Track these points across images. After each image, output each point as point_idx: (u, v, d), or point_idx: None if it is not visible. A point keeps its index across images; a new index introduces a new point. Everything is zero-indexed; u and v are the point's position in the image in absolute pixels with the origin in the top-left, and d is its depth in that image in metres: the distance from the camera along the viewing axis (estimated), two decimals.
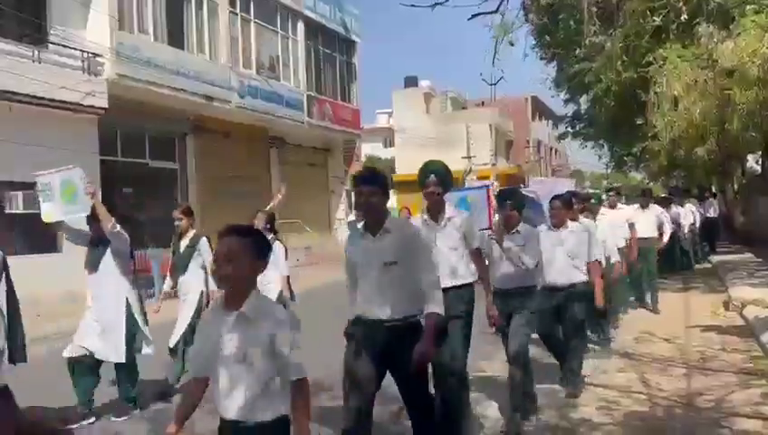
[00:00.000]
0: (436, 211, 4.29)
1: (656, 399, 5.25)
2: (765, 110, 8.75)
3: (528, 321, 4.71)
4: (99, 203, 5.12)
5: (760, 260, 13.65)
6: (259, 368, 2.38)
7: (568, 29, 11.94)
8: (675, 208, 12.99)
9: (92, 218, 5.16)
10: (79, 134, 12.82)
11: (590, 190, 16.29)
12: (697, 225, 14.24)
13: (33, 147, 10.75)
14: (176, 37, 15.66)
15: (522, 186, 18.58)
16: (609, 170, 36.15)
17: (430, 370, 3.57)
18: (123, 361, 5.14)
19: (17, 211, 11.31)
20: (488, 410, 4.96)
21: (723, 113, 9.29)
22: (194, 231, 6.05)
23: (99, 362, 5.18)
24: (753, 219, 18.37)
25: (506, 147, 46.48)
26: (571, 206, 5.81)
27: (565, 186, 7.74)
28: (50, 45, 12.75)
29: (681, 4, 7.89)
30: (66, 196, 5.14)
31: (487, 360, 6.20)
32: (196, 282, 5.83)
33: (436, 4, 6.19)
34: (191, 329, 5.46)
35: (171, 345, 5.74)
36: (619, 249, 7.66)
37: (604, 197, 9.83)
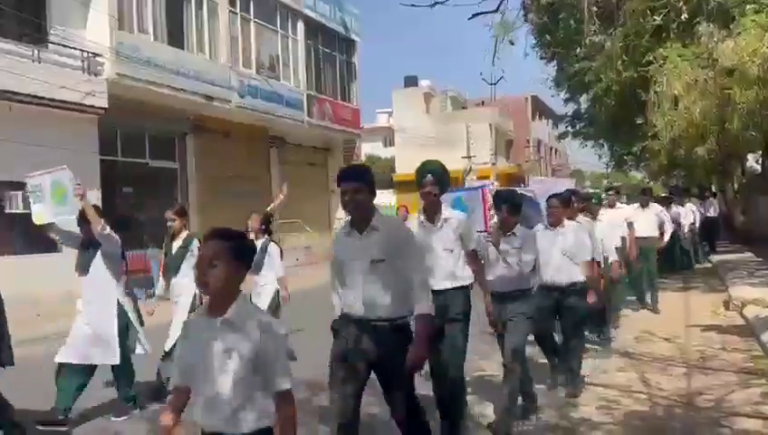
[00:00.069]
0: (432, 212, 4.24)
1: (656, 398, 5.25)
2: (765, 109, 8.74)
3: (525, 325, 4.67)
4: (88, 205, 5.05)
5: (760, 260, 13.65)
6: (243, 378, 2.28)
7: (568, 28, 11.94)
8: (675, 208, 13.00)
9: (82, 220, 5.10)
10: (79, 134, 12.81)
11: (590, 190, 16.30)
12: (697, 224, 14.24)
13: (33, 147, 10.74)
14: (176, 37, 15.66)
15: (522, 185, 18.59)
16: (609, 170, 36.15)
17: (426, 368, 3.50)
18: (117, 362, 5.10)
19: (17, 211, 11.31)
20: (487, 410, 4.95)
21: (723, 113, 9.29)
22: (187, 232, 5.99)
23: (92, 367, 5.10)
24: (753, 219, 18.37)
25: (506, 146, 46.47)
26: (569, 204, 5.77)
27: (565, 185, 7.74)
28: (50, 45, 12.75)
29: (681, 3, 7.90)
30: (56, 197, 5.09)
31: (486, 359, 6.20)
32: (188, 284, 5.67)
33: (436, 3, 6.20)
34: None
35: (167, 349, 5.67)
36: (616, 248, 7.66)
37: (604, 196, 9.83)
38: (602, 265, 6.78)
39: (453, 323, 4.10)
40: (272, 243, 6.89)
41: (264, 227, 6.94)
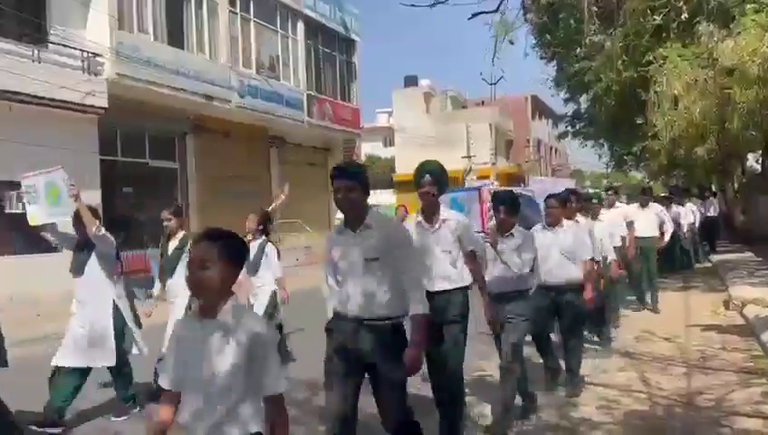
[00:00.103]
0: (430, 213, 4.19)
1: (656, 398, 5.25)
2: (765, 109, 8.73)
3: (522, 326, 4.65)
4: (82, 205, 4.97)
5: (760, 259, 13.64)
6: (234, 381, 2.23)
7: (568, 28, 11.94)
8: (675, 208, 12.99)
9: (77, 221, 5.05)
10: (79, 134, 12.82)
11: (590, 190, 16.29)
12: (697, 224, 14.24)
13: (33, 147, 10.75)
14: (175, 37, 15.66)
15: (522, 185, 18.57)
16: (609, 170, 36.16)
17: (424, 368, 3.46)
18: (113, 363, 5.07)
19: (17, 211, 11.29)
20: (486, 410, 4.95)
21: (723, 112, 9.28)
22: (183, 232, 5.90)
23: (87, 369, 5.05)
24: (753, 218, 18.36)
25: (506, 146, 46.47)
26: (567, 204, 5.73)
27: (565, 185, 7.75)
28: (50, 45, 12.76)
29: (681, 3, 7.90)
30: (51, 198, 5.04)
31: (485, 359, 6.19)
32: (185, 285, 5.68)
33: (436, 3, 6.19)
34: None
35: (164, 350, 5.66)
36: (616, 248, 7.66)
37: (603, 196, 9.82)
38: (601, 265, 6.78)
39: (451, 324, 4.07)
40: (269, 244, 6.84)
41: (261, 227, 6.91)
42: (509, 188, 11.78)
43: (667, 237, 10.12)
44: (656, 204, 10.46)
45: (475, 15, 6.72)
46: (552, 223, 5.45)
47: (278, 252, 7.01)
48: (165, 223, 5.85)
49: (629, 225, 8.72)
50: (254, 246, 6.80)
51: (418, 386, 4.57)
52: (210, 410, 2.23)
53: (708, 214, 16.32)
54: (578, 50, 12.15)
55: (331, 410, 3.36)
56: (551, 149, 56.38)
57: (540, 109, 51.61)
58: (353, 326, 3.34)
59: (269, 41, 19.47)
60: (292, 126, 20.21)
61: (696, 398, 5.20)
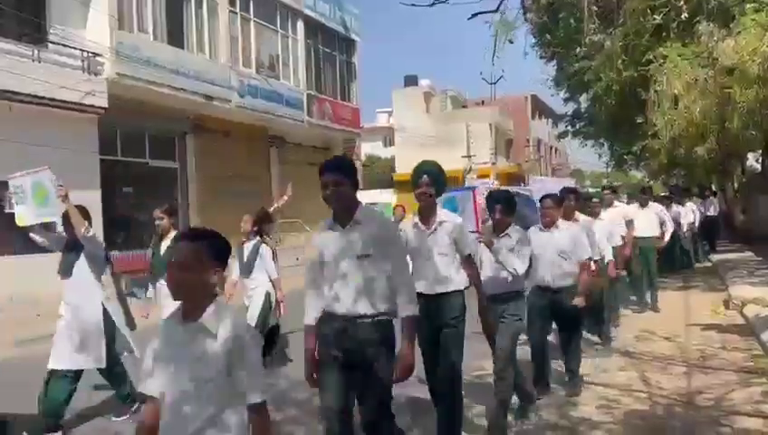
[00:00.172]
0: (427, 214, 4.13)
1: (656, 397, 5.25)
2: (765, 108, 8.73)
3: (514, 327, 4.61)
4: (71, 206, 4.90)
5: (760, 259, 13.64)
6: (215, 387, 2.15)
7: (568, 27, 11.93)
8: (675, 207, 12.99)
9: (66, 222, 4.99)
10: (79, 134, 12.82)
11: (590, 189, 16.30)
12: (697, 223, 14.24)
13: (33, 147, 10.74)
14: (175, 36, 15.66)
15: (522, 184, 18.56)
16: (609, 169, 36.20)
17: (416, 372, 3.38)
18: (103, 365, 5.01)
19: None
20: (484, 411, 4.94)
21: (723, 112, 9.28)
22: (176, 231, 5.78)
23: (79, 373, 5.00)
24: (753, 218, 18.36)
25: (506, 146, 46.47)
26: (562, 204, 5.64)
27: (566, 185, 7.73)
28: (50, 45, 12.75)
29: (681, 2, 7.90)
30: (38, 198, 4.97)
31: (484, 359, 6.18)
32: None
33: (436, 2, 6.19)
34: None
35: None
36: (614, 247, 7.66)
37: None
38: (600, 265, 6.76)
39: (448, 328, 4.02)
40: (263, 245, 6.78)
41: (256, 228, 6.89)
42: (505, 188, 11.76)
43: (667, 237, 10.10)
44: (655, 203, 10.44)
45: (475, 15, 6.72)
46: (548, 224, 5.38)
47: (274, 252, 6.96)
48: (157, 222, 5.78)
49: (629, 224, 8.70)
50: (248, 247, 6.78)
51: (416, 388, 4.56)
52: (192, 417, 2.15)
53: (708, 213, 16.31)
54: (578, 49, 12.14)
55: (327, 410, 3.33)
56: (551, 148, 56.37)
57: (540, 108, 51.60)
58: (343, 324, 3.28)
59: (269, 40, 19.47)
60: (292, 126, 20.21)
61: (697, 397, 5.20)
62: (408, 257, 4.02)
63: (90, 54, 13.17)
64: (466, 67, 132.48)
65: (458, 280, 4.12)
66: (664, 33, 9.77)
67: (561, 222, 5.45)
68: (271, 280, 6.75)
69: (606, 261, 7.10)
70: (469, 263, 4.18)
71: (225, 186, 17.13)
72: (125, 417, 5.17)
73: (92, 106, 12.97)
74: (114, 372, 5.17)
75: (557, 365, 5.88)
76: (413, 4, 6.25)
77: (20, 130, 11.25)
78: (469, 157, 36.63)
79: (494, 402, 4.58)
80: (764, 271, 11.63)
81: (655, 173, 25.84)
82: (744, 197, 20.31)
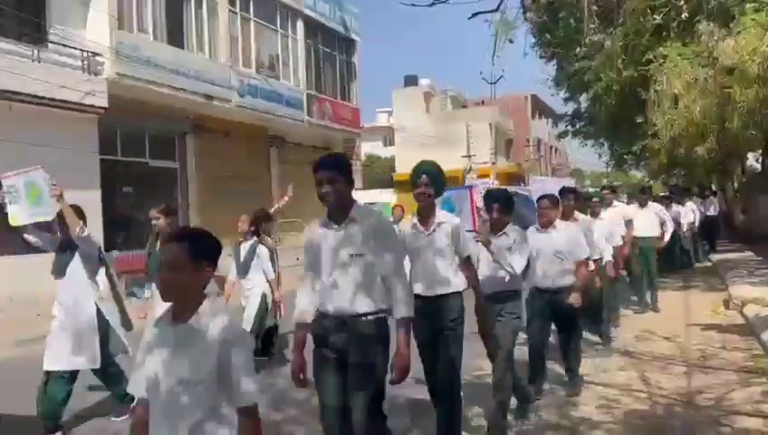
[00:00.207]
0: (426, 215, 4.08)
1: (656, 397, 5.25)
2: (765, 108, 8.73)
3: (512, 326, 4.58)
4: (66, 206, 4.82)
5: (760, 258, 13.65)
6: (205, 390, 2.11)
7: (568, 27, 11.93)
8: (675, 207, 12.99)
9: (60, 222, 4.92)
10: (79, 134, 12.82)
11: (590, 189, 16.30)
12: (697, 223, 14.24)
13: (33, 146, 10.73)
14: (175, 36, 15.65)
15: (522, 184, 18.56)
16: (609, 169, 36.21)
17: (411, 374, 3.34)
18: (97, 366, 4.96)
19: None
20: (483, 411, 4.93)
21: (723, 111, 9.28)
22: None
23: (75, 373, 4.96)
24: (753, 218, 18.36)
25: (506, 145, 46.48)
26: (558, 205, 5.57)
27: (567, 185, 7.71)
28: (50, 45, 12.75)
29: (681, 2, 7.88)
30: (31, 198, 4.90)
31: (482, 359, 6.18)
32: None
33: (436, 2, 6.18)
34: None
35: None
36: (614, 247, 7.65)
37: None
38: (599, 264, 6.74)
39: (447, 330, 3.99)
40: (260, 245, 6.75)
41: (253, 228, 6.87)
42: (502, 187, 11.72)
43: (667, 237, 10.08)
44: (655, 203, 10.44)
45: (475, 15, 6.70)
46: (545, 224, 5.33)
47: (274, 252, 6.94)
48: (153, 222, 5.73)
49: (628, 224, 8.69)
50: (245, 247, 6.77)
51: (413, 389, 4.54)
52: (181, 419, 2.12)
53: (708, 213, 16.31)
54: (578, 49, 12.14)
55: (326, 409, 3.32)
56: (551, 148, 56.37)
57: (540, 108, 51.60)
58: (335, 323, 3.24)
59: (269, 40, 19.46)
60: (292, 125, 20.21)
61: (697, 397, 5.21)
62: (405, 258, 4.01)
63: (90, 54, 13.16)
64: (466, 67, 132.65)
65: (457, 282, 4.08)
66: (664, 33, 9.77)
67: (558, 222, 5.40)
68: (268, 280, 6.73)
69: (604, 262, 7.08)
70: (467, 265, 4.13)
71: (225, 186, 17.12)
72: (125, 417, 5.14)
73: (92, 106, 12.97)
74: (109, 373, 5.13)
75: (557, 365, 5.88)
76: (413, 4, 6.23)
77: (20, 130, 11.24)
78: (469, 157, 36.63)
79: (493, 403, 4.57)
80: (764, 271, 11.64)
81: (655, 173, 25.85)
82: (744, 196, 20.32)
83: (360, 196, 22.17)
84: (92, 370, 5.04)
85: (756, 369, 5.93)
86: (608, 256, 7.21)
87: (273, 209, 7.79)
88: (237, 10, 17.91)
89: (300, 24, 20.67)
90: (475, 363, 5.88)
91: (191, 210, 16.79)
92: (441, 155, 20.74)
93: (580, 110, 19.74)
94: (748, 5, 8.24)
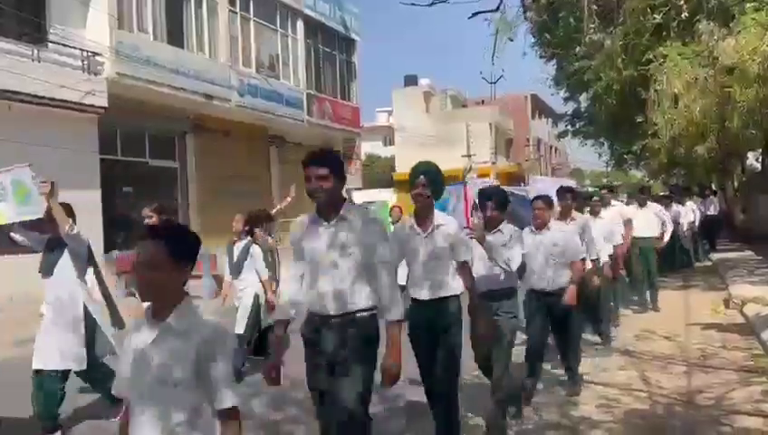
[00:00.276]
0: (424, 216, 4.00)
1: (656, 396, 5.25)
2: (765, 107, 8.74)
3: (512, 326, 4.54)
4: (55, 203, 4.71)
5: (760, 258, 13.64)
6: (185, 391, 2.05)
7: (568, 27, 11.93)
8: (675, 207, 12.99)
9: (48, 220, 4.79)
10: (79, 133, 12.82)
11: (590, 189, 16.29)
12: (697, 223, 14.24)
13: (32, 146, 10.73)
14: (175, 36, 15.65)
15: (522, 184, 18.55)
16: (609, 168, 36.21)
17: (401, 378, 3.30)
18: (83, 367, 4.85)
19: None
20: (484, 411, 4.93)
21: (723, 111, 9.28)
22: None
23: (66, 372, 4.89)
24: (753, 217, 18.37)
25: (506, 145, 46.47)
26: (553, 205, 5.53)
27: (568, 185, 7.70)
28: (49, 44, 12.75)
29: (681, 1, 7.89)
30: (18, 196, 4.80)
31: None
32: None
33: (435, 2, 6.17)
34: None
35: None
36: (615, 246, 7.64)
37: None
38: (598, 264, 6.71)
39: (445, 333, 3.93)
40: (254, 245, 6.72)
41: (248, 228, 6.86)
42: (485, 180, 11.64)
43: (666, 238, 10.07)
44: (654, 203, 10.43)
45: (475, 15, 6.70)
46: (539, 226, 5.27)
47: (275, 252, 6.93)
48: (146, 220, 5.68)
49: (626, 223, 8.67)
50: (238, 247, 6.75)
51: (411, 391, 4.52)
52: (160, 420, 2.07)
53: (708, 212, 16.31)
54: (577, 48, 12.14)
55: (320, 410, 3.30)
56: (551, 148, 56.36)
57: (540, 108, 51.59)
58: (325, 323, 3.21)
59: (269, 40, 19.46)
60: (292, 125, 20.21)
61: (697, 396, 5.20)
62: (395, 260, 3.99)
63: (89, 54, 13.17)
64: (466, 66, 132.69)
65: (455, 285, 4.01)
66: (664, 33, 9.77)
67: (552, 223, 5.35)
68: (261, 281, 6.70)
69: (601, 263, 7.03)
70: (464, 270, 4.04)
71: (225, 185, 17.12)
72: (118, 417, 5.06)
73: (92, 106, 12.97)
74: (94, 374, 5.01)
75: (557, 365, 5.87)
76: (413, 4, 6.22)
77: (20, 129, 11.24)
78: (469, 156, 36.60)
79: (491, 403, 4.56)
80: (764, 270, 11.63)
81: (655, 172, 25.87)
82: (744, 196, 20.32)
83: (360, 195, 22.18)
84: (77, 371, 4.94)
85: (756, 368, 5.93)
86: (605, 257, 7.17)
87: (275, 210, 7.78)
88: (237, 10, 17.91)
89: (300, 24, 20.67)
90: (474, 364, 5.87)
91: (191, 210, 16.79)
92: (441, 155, 20.73)
93: (580, 109, 19.76)
94: (748, 5, 8.24)
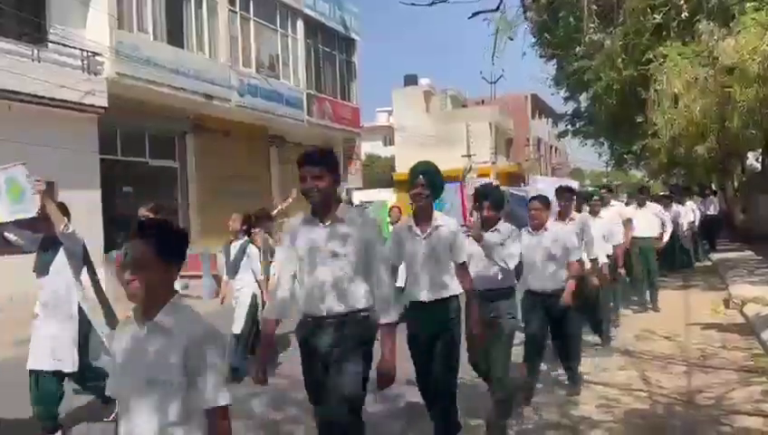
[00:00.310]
0: (422, 217, 3.99)
1: (656, 396, 5.25)
2: (765, 107, 8.73)
3: (511, 326, 4.52)
4: (50, 202, 4.65)
5: (760, 258, 13.65)
6: (174, 390, 2.03)
7: (567, 27, 11.92)
8: (675, 207, 12.99)
9: (43, 219, 4.69)
10: (79, 133, 12.82)
11: (590, 188, 16.30)
12: (697, 223, 14.24)
13: (32, 146, 10.72)
14: (175, 36, 15.65)
15: (522, 184, 18.53)
16: (609, 168, 36.21)
17: (402, 379, 3.33)
18: (74, 370, 4.73)
19: None
20: (484, 411, 4.93)
21: (723, 111, 9.28)
22: None
23: (62, 373, 4.81)
24: (753, 217, 18.37)
25: (506, 145, 46.46)
26: (549, 206, 5.47)
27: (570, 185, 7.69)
28: (49, 44, 12.75)
29: (681, 1, 7.88)
30: (12, 195, 4.69)
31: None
32: None
33: (435, 1, 6.17)
34: None
35: None
36: (615, 246, 7.64)
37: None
38: (596, 264, 6.70)
39: (444, 334, 3.92)
40: (251, 245, 6.69)
41: (245, 228, 6.84)
42: (485, 180, 11.59)
43: (666, 238, 10.06)
44: (654, 203, 10.43)
45: (475, 14, 6.69)
46: (536, 227, 5.23)
47: (272, 251, 6.91)
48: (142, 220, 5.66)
49: (625, 223, 8.66)
50: (235, 247, 6.73)
51: (409, 392, 4.51)
52: (149, 423, 2.04)
53: (708, 212, 16.32)
54: (577, 48, 12.14)
55: (317, 411, 3.29)
56: (551, 147, 56.36)
57: (540, 107, 51.59)
58: (319, 324, 3.18)
59: (269, 40, 19.46)
60: (292, 125, 20.21)
61: (697, 396, 5.20)
62: (396, 261, 3.99)
63: (89, 54, 13.16)
64: (466, 66, 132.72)
65: (453, 286, 3.99)
66: (664, 33, 9.77)
67: (550, 224, 5.31)
68: (257, 280, 6.66)
69: (600, 264, 6.99)
70: (462, 271, 4.02)
71: (225, 185, 17.12)
72: (114, 415, 4.99)
73: (92, 106, 12.97)
74: (87, 376, 4.92)
75: (557, 365, 5.87)
76: (413, 3, 6.21)
77: (20, 129, 11.23)
78: (469, 156, 36.59)
79: (491, 403, 4.56)
80: (764, 270, 11.64)
81: (655, 172, 25.88)
82: (744, 196, 20.32)
83: (360, 195, 22.17)
84: (68, 373, 4.82)
85: (756, 368, 5.93)
86: (603, 258, 7.12)
87: (276, 211, 7.77)
88: (237, 9, 17.90)
89: (300, 24, 20.67)
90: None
91: (191, 210, 16.79)
92: (441, 154, 20.70)
93: (580, 109, 19.75)
94: (748, 5, 8.24)
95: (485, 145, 39.34)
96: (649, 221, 9.66)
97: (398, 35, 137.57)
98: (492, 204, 4.54)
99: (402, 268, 4.22)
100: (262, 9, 18.96)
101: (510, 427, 4.59)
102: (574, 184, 7.49)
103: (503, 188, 8.72)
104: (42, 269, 4.83)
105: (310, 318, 3.23)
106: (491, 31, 6.59)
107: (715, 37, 8.42)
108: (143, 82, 13.99)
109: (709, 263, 14.72)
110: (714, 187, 21.92)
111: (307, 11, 20.84)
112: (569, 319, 5.32)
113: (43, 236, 4.87)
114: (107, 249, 12.71)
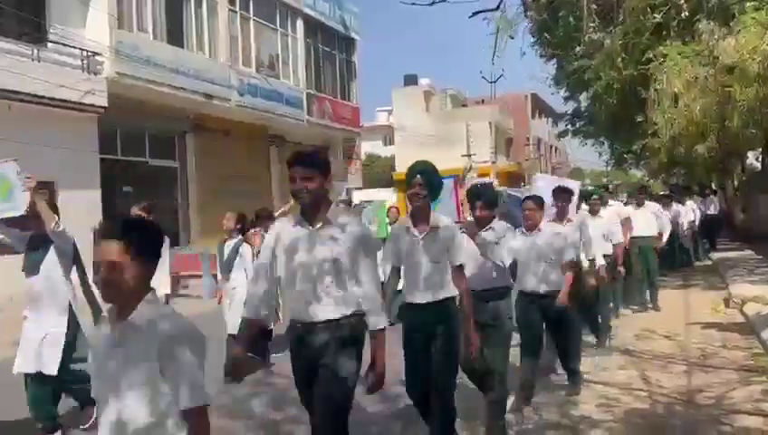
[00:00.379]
0: (420, 217, 3.92)
1: (656, 396, 5.25)
2: (765, 107, 8.73)
3: (508, 328, 4.50)
4: (40, 199, 4.54)
5: (760, 257, 13.64)
6: (151, 391, 1.98)
7: (567, 26, 11.91)
8: (675, 206, 12.99)
9: (32, 217, 4.61)
10: (78, 133, 12.82)
11: (590, 188, 16.30)
12: (697, 222, 14.23)
13: (32, 146, 10.73)
14: (175, 36, 15.66)
15: (522, 184, 18.52)
16: (609, 168, 36.21)
17: (402, 380, 3.31)
18: (54, 372, 4.58)
19: None
20: (483, 412, 4.92)
21: (723, 110, 9.28)
22: None
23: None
24: (753, 216, 18.37)
25: (506, 144, 46.45)
26: (543, 206, 5.42)
27: (569, 184, 7.68)
28: (49, 44, 12.76)
29: (681, 1, 7.87)
30: (1, 192, 4.63)
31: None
32: (155, 285, 5.19)
33: (435, 1, 6.16)
34: None
35: None
36: (615, 245, 7.63)
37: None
38: (595, 264, 6.69)
39: (441, 336, 3.86)
40: (244, 244, 6.65)
41: (239, 227, 6.83)
42: (485, 180, 11.55)
43: (665, 238, 10.05)
44: (653, 203, 10.42)
45: (475, 14, 6.68)
46: (530, 227, 5.19)
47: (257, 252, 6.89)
48: None
49: (624, 222, 8.64)
50: (228, 246, 6.71)
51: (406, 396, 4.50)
52: (128, 426, 2.00)
53: (708, 212, 16.32)
54: (577, 48, 12.13)
55: (311, 414, 3.28)
56: (551, 147, 56.35)
57: (540, 107, 51.57)
58: (308, 330, 3.13)
59: (269, 39, 19.46)
60: (292, 125, 20.21)
61: (697, 396, 5.20)
62: (395, 262, 3.97)
63: (89, 54, 13.17)
64: (466, 66, 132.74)
65: (451, 287, 3.94)
66: (664, 32, 9.76)
67: (543, 224, 5.27)
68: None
69: (597, 265, 6.96)
70: (459, 274, 3.95)
71: (225, 185, 17.12)
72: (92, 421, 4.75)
73: (92, 105, 12.98)
74: (68, 379, 4.81)
75: (557, 365, 5.87)
76: (413, 3, 6.18)
77: (20, 129, 11.24)
78: (469, 156, 36.57)
79: (491, 403, 4.55)
80: (764, 269, 11.64)
81: (655, 172, 25.87)
82: (744, 195, 20.32)
83: (360, 195, 22.14)
84: (48, 375, 4.65)
85: (756, 367, 5.93)
86: (600, 258, 7.08)
87: (278, 212, 7.76)
88: (237, 9, 17.90)
89: (299, 23, 20.67)
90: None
91: (191, 210, 16.80)
92: (441, 154, 20.69)
93: (580, 109, 19.75)
94: (748, 4, 8.23)
95: (485, 145, 39.32)
96: (648, 220, 9.65)
97: (398, 35, 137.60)
98: (484, 203, 4.49)
99: (402, 269, 4.19)
100: (262, 9, 18.96)
101: (510, 427, 4.59)
102: (576, 183, 7.45)
103: (500, 188, 8.73)
104: (31, 268, 4.72)
105: (299, 323, 3.18)
106: (491, 30, 6.57)
107: (716, 37, 8.41)
108: (143, 82, 14.00)
109: (709, 262, 14.72)
110: (714, 186, 21.91)
111: (307, 10, 20.84)
112: (566, 319, 5.29)
113: (31, 235, 4.76)
114: None
